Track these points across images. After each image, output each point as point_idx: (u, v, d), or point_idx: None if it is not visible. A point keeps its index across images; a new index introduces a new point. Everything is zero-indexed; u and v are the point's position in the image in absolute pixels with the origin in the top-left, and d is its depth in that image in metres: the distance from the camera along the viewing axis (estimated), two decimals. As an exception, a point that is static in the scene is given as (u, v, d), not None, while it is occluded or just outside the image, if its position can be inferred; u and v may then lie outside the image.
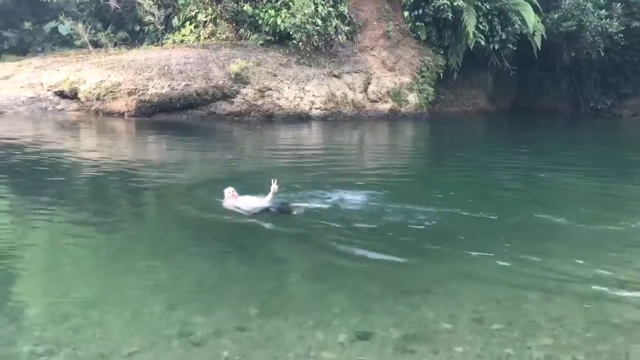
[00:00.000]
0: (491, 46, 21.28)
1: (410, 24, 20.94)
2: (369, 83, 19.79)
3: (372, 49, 20.67)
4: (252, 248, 6.45)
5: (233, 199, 7.57)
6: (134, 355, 4.09)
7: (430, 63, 21.08)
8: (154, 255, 6.26)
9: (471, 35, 20.20)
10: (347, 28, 19.53)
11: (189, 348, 4.25)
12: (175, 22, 21.25)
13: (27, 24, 22.19)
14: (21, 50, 22.18)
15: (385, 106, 19.74)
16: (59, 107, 17.33)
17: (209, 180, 9.60)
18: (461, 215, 7.76)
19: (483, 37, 20.80)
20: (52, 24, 22.24)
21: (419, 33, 20.98)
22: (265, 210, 7.43)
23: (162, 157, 12.27)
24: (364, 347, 4.31)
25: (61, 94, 17.45)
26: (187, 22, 21.12)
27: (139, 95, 16.75)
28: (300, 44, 18.54)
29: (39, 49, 22.04)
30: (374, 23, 21.00)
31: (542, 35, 22.20)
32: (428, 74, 21.00)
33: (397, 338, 4.45)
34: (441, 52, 21.41)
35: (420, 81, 20.73)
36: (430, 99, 21.10)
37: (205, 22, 20.86)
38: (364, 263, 6.01)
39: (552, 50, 23.54)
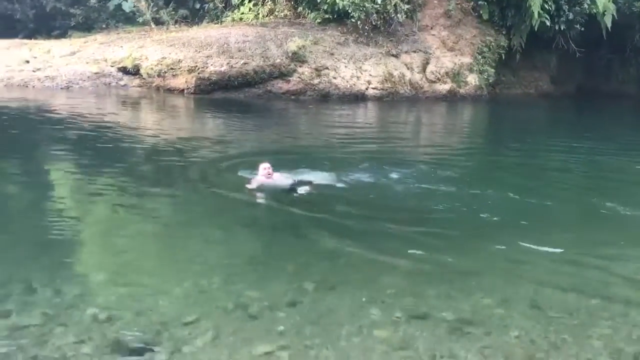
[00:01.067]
0: (557, 26, 20.45)
1: (472, 3, 20.38)
2: (428, 63, 19.44)
3: (431, 28, 20.25)
4: (306, 226, 6.48)
5: (265, 177, 7.55)
6: (192, 324, 4.21)
7: (492, 43, 20.48)
8: (212, 228, 6.39)
9: (536, 15, 19.46)
10: (406, 7, 19.18)
11: (246, 320, 4.34)
12: (234, 0, 21.40)
13: (92, 1, 22.79)
14: (87, 26, 22.83)
15: (444, 87, 19.36)
16: (121, 82, 17.81)
17: (263, 156, 9.69)
18: (518, 200, 7.57)
19: (548, 17, 20.00)
20: (116, 1, 22.77)
21: (481, 12, 20.39)
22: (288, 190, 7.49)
23: (218, 133, 12.46)
24: (418, 328, 4.30)
25: (124, 70, 17.91)
26: (246, 0, 21.22)
27: (199, 73, 17.00)
28: (359, 22, 18.34)
29: (104, 26, 22.63)
30: (435, 2, 20.53)
31: (612, 15, 21.15)
32: (489, 54, 20.43)
33: (451, 320, 4.41)
34: (503, 32, 20.76)
35: (481, 62, 20.20)
36: (490, 81, 20.55)
37: (264, 0, 20.91)
38: (416, 245, 5.95)
39: (623, 31, 22.43)
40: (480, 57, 20.21)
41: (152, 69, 17.39)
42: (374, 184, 8.01)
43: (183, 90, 16.92)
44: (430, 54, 19.65)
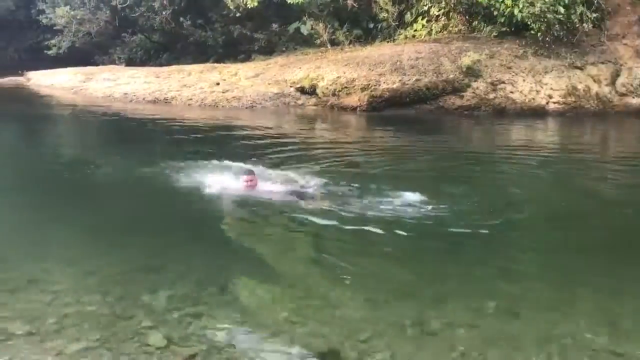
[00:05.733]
0: None
1: (672, 7, 18.31)
2: (618, 75, 17.75)
3: (623, 37, 18.49)
4: (475, 247, 6.18)
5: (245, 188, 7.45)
6: (369, 340, 4.20)
7: (699, 50, 18.16)
8: (383, 243, 6.28)
9: None
10: (594, 15, 17.76)
11: (424, 338, 4.25)
12: (407, 17, 21.50)
13: (273, 26, 24.39)
14: (268, 50, 24.43)
15: (638, 101, 17.55)
16: (299, 102, 18.71)
17: (427, 169, 9.55)
18: None
19: None
20: (295, 24, 24.08)
21: (684, 16, 18.24)
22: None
23: (388, 148, 12.51)
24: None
25: (302, 90, 18.79)
26: (419, 17, 21.21)
27: (371, 91, 17.29)
28: (539, 34, 17.36)
29: (284, 49, 24.04)
30: (627, 8, 18.75)
31: None
32: (695, 63, 18.12)
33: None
34: None
35: (685, 72, 17.99)
36: (697, 93, 18.19)
37: (438, 16, 20.73)
38: (609, 275, 5.42)
39: None
40: (683, 66, 18.02)
41: (327, 88, 18.06)
42: (560, 200, 7.47)
43: (355, 108, 17.32)
44: (622, 64, 17.94)
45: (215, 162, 9.40)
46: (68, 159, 10.91)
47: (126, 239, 6.35)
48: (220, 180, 7.91)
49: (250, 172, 7.64)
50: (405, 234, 6.43)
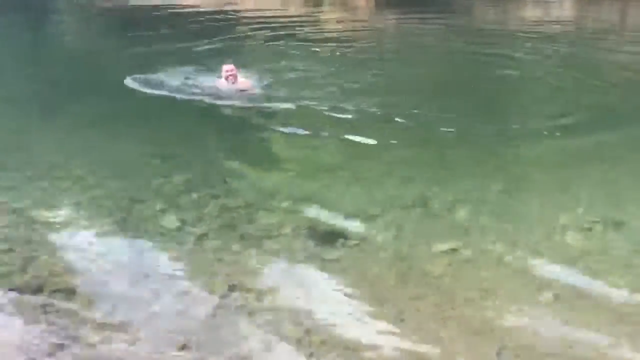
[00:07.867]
0: None
1: None
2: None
3: None
4: (486, 129, 6.19)
5: (230, 80, 7.26)
6: (375, 217, 4.33)
7: None
8: (385, 132, 6.21)
9: None
10: None
11: (428, 215, 4.38)
12: None
13: None
14: None
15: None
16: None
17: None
18: None
19: None
20: None
21: None
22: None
23: (392, 35, 12.18)
24: (613, 236, 4.03)
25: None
26: None
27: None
28: None
29: None
30: None
31: None
32: None
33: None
34: None
35: None
36: None
37: None
38: (611, 151, 5.53)
39: None
40: None
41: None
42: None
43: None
44: None
45: (214, 57, 9.23)
46: (73, 51, 10.87)
47: (132, 130, 6.43)
48: (210, 78, 7.84)
49: (230, 64, 7.46)
50: (403, 122, 6.40)
